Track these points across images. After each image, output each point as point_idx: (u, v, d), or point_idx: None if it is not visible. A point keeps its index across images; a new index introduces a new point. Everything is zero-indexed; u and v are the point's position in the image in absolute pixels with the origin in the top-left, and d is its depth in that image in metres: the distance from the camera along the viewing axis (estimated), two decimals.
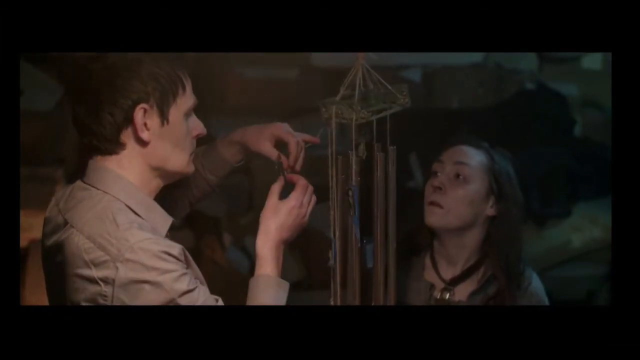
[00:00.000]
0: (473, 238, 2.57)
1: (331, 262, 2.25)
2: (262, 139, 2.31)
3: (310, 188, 2.20)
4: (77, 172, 2.12)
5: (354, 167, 2.25)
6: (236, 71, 5.23)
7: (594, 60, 5.55)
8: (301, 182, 2.20)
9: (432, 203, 2.55)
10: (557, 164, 5.07)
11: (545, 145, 5.17)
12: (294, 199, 2.16)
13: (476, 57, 5.45)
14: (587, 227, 4.99)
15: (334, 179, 2.25)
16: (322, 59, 5.05)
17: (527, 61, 5.58)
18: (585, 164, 5.12)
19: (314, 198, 2.20)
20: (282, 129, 2.32)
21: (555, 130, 5.28)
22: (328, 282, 2.27)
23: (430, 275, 2.61)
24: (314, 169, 2.28)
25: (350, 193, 2.23)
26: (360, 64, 2.24)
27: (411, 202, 4.59)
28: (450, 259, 2.60)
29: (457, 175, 2.55)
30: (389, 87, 2.30)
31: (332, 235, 2.25)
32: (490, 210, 2.57)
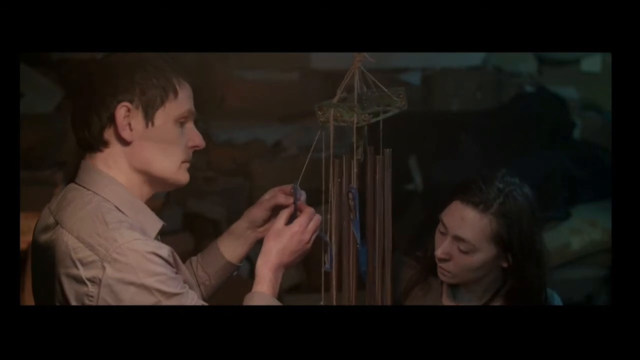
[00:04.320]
0: (489, 279, 2.49)
1: (327, 266, 2.24)
2: (266, 202, 2.32)
3: (317, 217, 2.20)
4: (76, 175, 2.13)
5: (354, 169, 2.23)
6: (236, 74, 5.24)
7: (593, 63, 5.57)
8: (308, 209, 2.21)
9: (440, 266, 2.45)
10: (556, 166, 5.07)
11: (545, 148, 5.18)
12: (297, 224, 2.17)
13: (475, 60, 5.46)
14: (586, 230, 4.99)
15: (333, 182, 2.24)
16: (321, 62, 5.06)
17: (526, 64, 5.59)
18: (585, 166, 5.13)
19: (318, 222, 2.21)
20: (267, 200, 2.32)
21: (555, 133, 5.29)
22: (326, 285, 2.26)
23: (448, 301, 2.55)
24: (309, 172, 2.27)
25: (350, 196, 2.23)
26: (356, 66, 2.23)
27: (410, 204, 4.59)
28: (468, 288, 2.55)
29: (461, 246, 2.40)
30: (385, 90, 2.29)
31: (327, 239, 2.24)
32: (504, 263, 2.45)
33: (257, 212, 2.33)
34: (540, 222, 2.48)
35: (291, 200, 2.24)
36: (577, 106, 5.56)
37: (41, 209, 2.14)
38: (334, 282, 2.25)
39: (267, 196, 2.32)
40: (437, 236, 2.45)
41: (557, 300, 2.53)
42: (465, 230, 2.38)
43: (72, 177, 2.11)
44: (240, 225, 2.35)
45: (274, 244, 2.16)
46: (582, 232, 4.98)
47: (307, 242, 2.18)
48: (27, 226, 3.46)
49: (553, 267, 4.82)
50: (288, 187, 2.29)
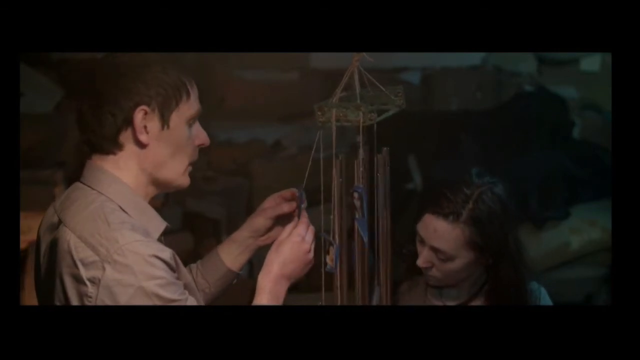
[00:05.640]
0: (474, 276, 2.50)
1: (329, 266, 2.23)
2: (267, 208, 2.33)
3: (312, 227, 2.20)
4: (77, 174, 2.12)
5: (361, 169, 2.22)
6: (236, 74, 5.25)
7: (592, 63, 5.56)
8: (304, 219, 2.21)
9: (426, 273, 2.48)
10: (555, 166, 5.07)
11: (544, 148, 5.18)
12: (296, 234, 2.17)
13: (475, 59, 5.46)
14: (585, 229, 4.99)
15: (335, 182, 2.23)
16: (321, 61, 5.07)
17: (526, 64, 5.59)
18: (584, 166, 5.13)
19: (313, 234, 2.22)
20: (270, 208, 2.33)
21: (555, 132, 5.29)
22: (328, 285, 2.26)
23: (434, 299, 2.56)
24: (309, 172, 2.26)
25: (356, 195, 2.22)
26: (354, 65, 2.22)
27: (410, 204, 4.58)
28: (454, 285, 2.55)
29: (439, 254, 2.42)
30: (382, 89, 2.28)
31: (331, 239, 2.23)
32: (484, 262, 2.46)
33: (260, 221, 2.33)
34: (515, 221, 2.49)
35: (294, 207, 2.25)
36: (576, 106, 5.56)
37: (40, 209, 2.14)
38: (337, 282, 2.25)
39: (267, 204, 2.33)
40: (418, 245, 2.47)
41: (544, 294, 2.53)
42: (440, 241, 2.40)
43: (71, 176, 2.10)
44: (242, 233, 2.35)
45: (275, 257, 2.16)
46: (581, 232, 4.98)
47: (308, 252, 2.17)
48: (27, 226, 3.47)
49: (552, 267, 4.86)
50: (287, 193, 2.30)
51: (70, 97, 4.87)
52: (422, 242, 2.44)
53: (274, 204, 2.31)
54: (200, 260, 2.38)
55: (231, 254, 2.35)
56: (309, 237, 2.18)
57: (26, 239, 3.77)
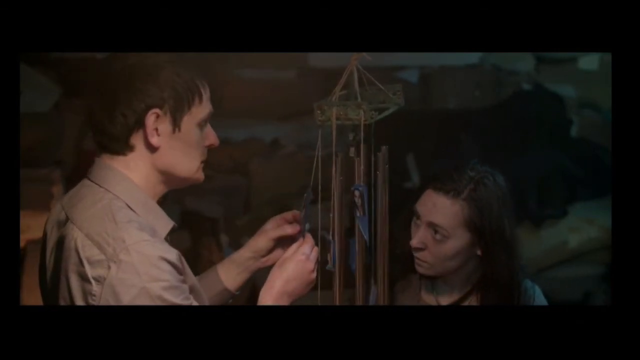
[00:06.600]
0: (465, 270, 2.51)
1: (329, 265, 2.23)
2: (271, 228, 2.33)
3: (316, 248, 2.21)
4: (75, 173, 2.12)
5: (362, 167, 2.23)
6: (235, 73, 5.24)
7: (590, 61, 5.56)
8: (309, 239, 2.22)
9: (417, 257, 2.48)
10: (554, 165, 5.08)
11: (542, 147, 5.18)
12: (300, 253, 2.18)
13: (473, 58, 5.45)
14: (584, 227, 5.00)
15: (335, 180, 2.23)
16: (319, 60, 5.06)
17: (524, 62, 5.58)
18: (582, 165, 5.13)
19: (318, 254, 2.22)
20: (272, 230, 2.33)
21: (552, 131, 5.29)
22: (328, 284, 2.26)
23: (427, 296, 2.57)
24: (308, 170, 2.26)
25: (357, 194, 2.22)
26: (353, 64, 2.22)
27: (408, 203, 4.60)
28: (446, 281, 2.56)
29: (435, 232, 2.44)
30: (381, 88, 2.29)
31: (330, 238, 2.23)
32: (478, 251, 2.48)
33: (262, 242, 2.33)
34: (512, 212, 2.50)
35: (297, 229, 2.25)
36: (574, 104, 5.56)
37: (38, 208, 2.14)
38: (337, 281, 2.25)
39: (269, 225, 2.33)
40: (413, 228, 2.48)
41: (538, 293, 2.54)
42: (438, 216, 2.43)
43: (70, 175, 2.10)
44: (244, 254, 2.35)
45: (279, 273, 2.16)
46: (580, 230, 4.99)
47: (312, 271, 2.18)
48: (26, 224, 3.47)
49: (550, 265, 4.87)
50: (289, 215, 2.30)
51: (70, 96, 4.86)
52: (419, 221, 2.45)
53: (275, 226, 2.32)
54: (198, 276, 2.38)
55: (230, 274, 2.35)
56: (314, 256, 2.19)
57: (24, 237, 3.76)
